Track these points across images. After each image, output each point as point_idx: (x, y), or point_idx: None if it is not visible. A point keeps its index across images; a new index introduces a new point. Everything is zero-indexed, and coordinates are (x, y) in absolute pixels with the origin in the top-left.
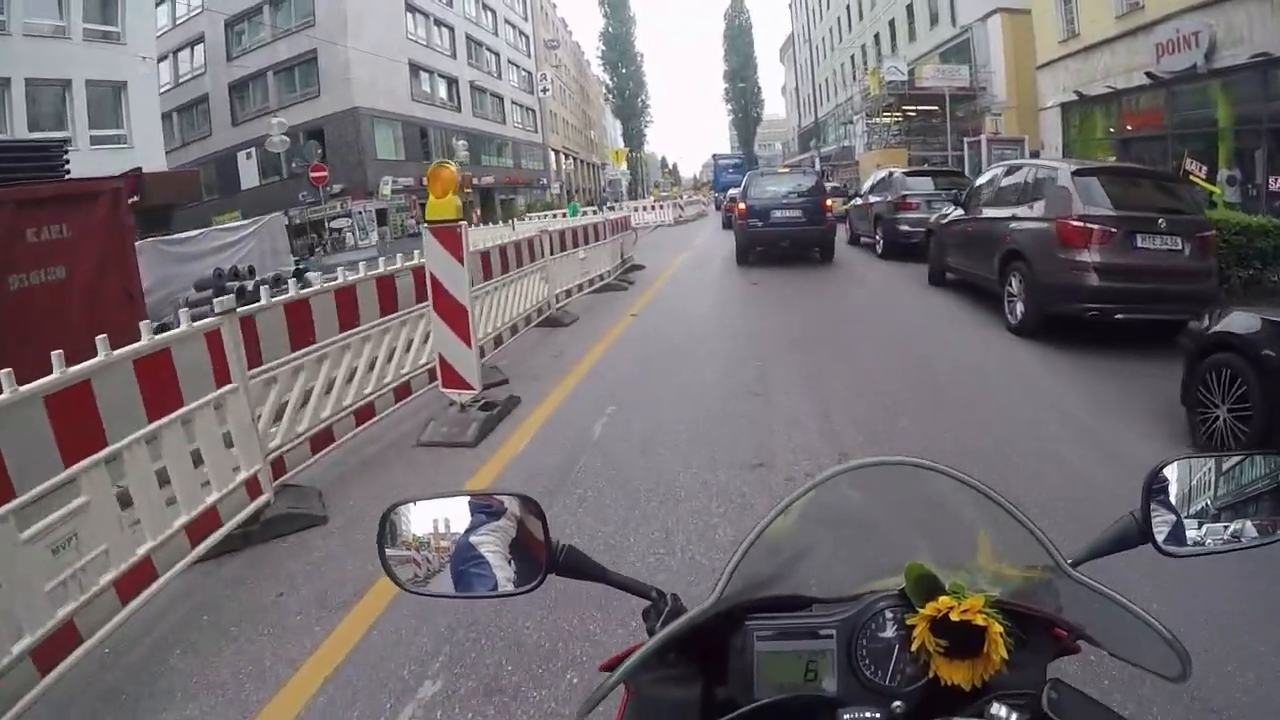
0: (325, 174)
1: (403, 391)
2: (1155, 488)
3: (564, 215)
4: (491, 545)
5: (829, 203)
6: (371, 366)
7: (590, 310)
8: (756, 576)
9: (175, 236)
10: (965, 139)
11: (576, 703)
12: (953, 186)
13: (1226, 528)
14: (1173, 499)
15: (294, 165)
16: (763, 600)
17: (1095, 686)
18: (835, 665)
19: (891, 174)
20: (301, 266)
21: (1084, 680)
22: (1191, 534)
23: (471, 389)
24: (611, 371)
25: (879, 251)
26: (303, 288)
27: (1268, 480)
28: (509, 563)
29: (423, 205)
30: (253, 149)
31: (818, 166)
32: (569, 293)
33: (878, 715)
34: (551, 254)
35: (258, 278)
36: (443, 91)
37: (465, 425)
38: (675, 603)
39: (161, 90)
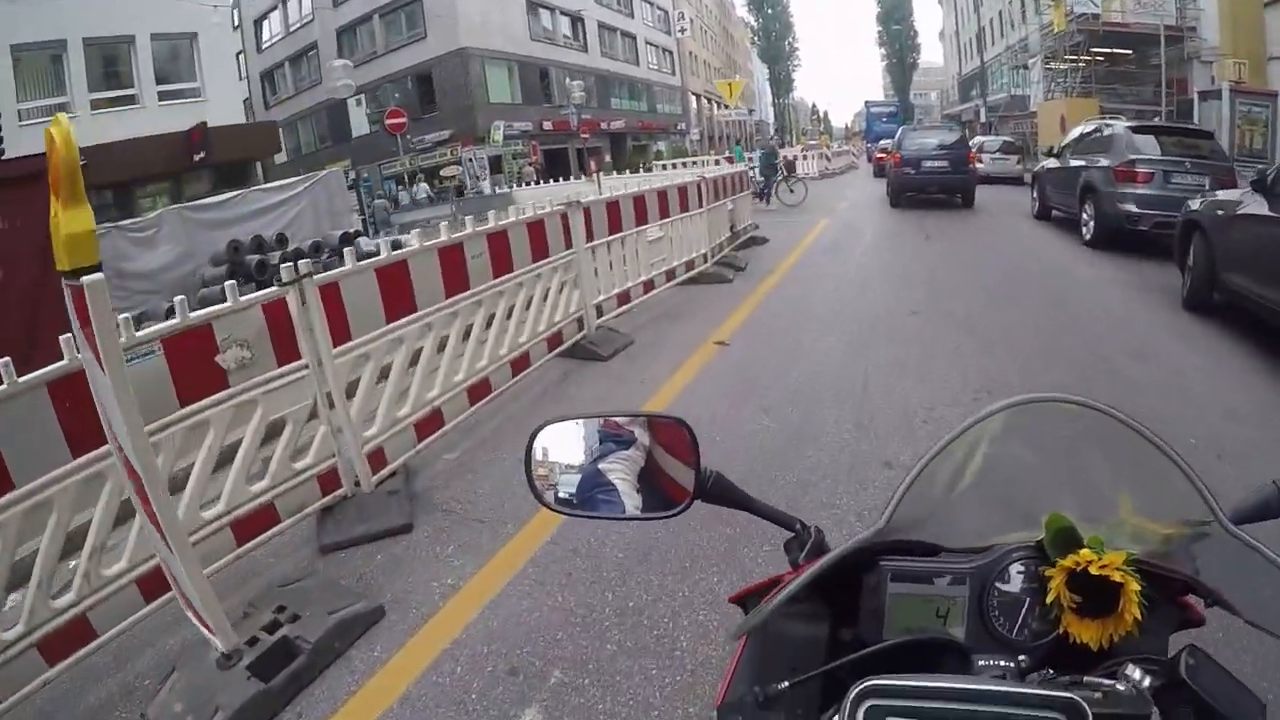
0: (403, 121)
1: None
2: None
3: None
4: (621, 472)
5: (972, 154)
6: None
7: (656, 327)
8: (893, 522)
9: (206, 200)
10: (1173, 91)
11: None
12: (1200, 153)
13: None
14: None
15: (368, 112)
16: (895, 543)
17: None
18: (965, 613)
19: (1111, 128)
20: (357, 230)
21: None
22: None
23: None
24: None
25: (1086, 237)
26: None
27: None
28: (636, 490)
29: (545, 151)
30: (361, 96)
31: (983, 117)
32: (625, 297)
33: (1013, 665)
34: (587, 241)
35: (291, 246)
36: (566, 29)
37: None
38: (818, 536)
39: (272, 40)
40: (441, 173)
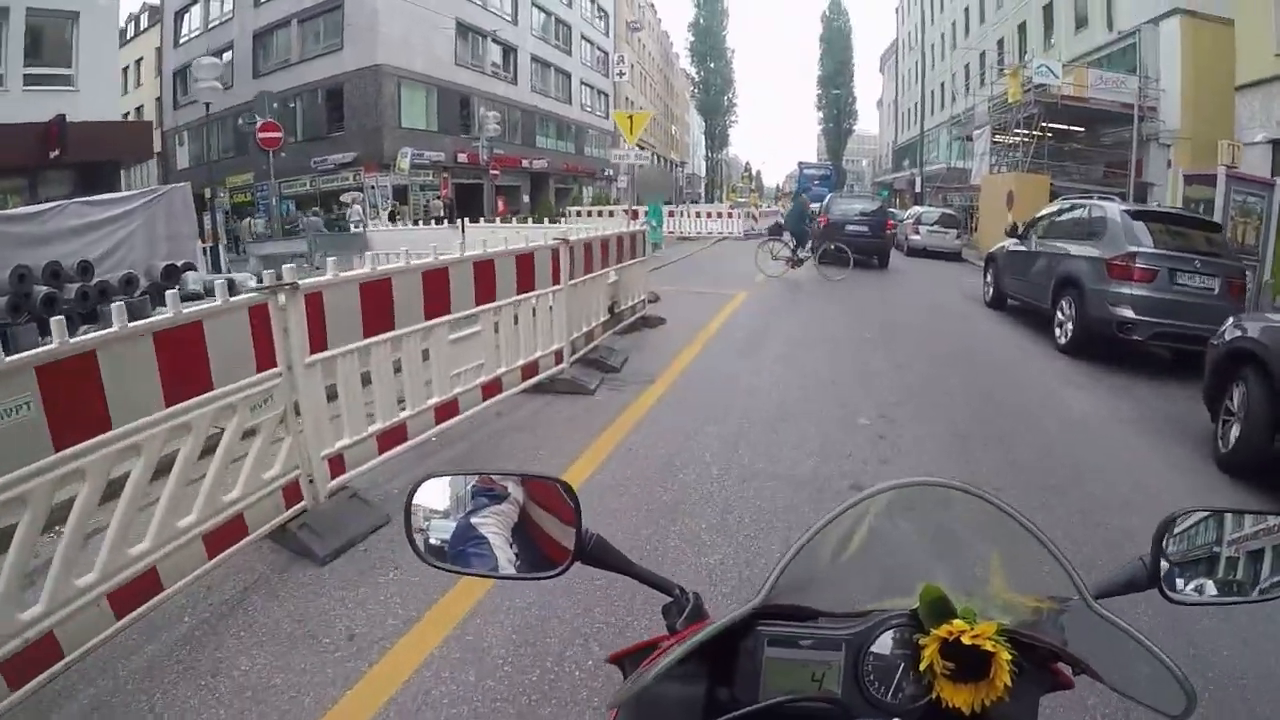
0: (278, 136)
1: None
2: (1166, 536)
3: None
4: (493, 526)
5: (890, 223)
6: None
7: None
8: (769, 583)
9: (17, 210)
10: (1126, 173)
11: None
12: (1207, 249)
13: (1231, 581)
14: (1182, 548)
15: (240, 123)
16: (773, 608)
17: None
18: (841, 677)
19: (1102, 210)
20: (186, 263)
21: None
22: (1196, 583)
23: None
24: None
25: (1061, 341)
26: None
27: (1260, 524)
28: (509, 545)
29: (458, 184)
30: (276, 104)
31: (917, 186)
32: (395, 435)
33: None
34: (312, 351)
35: (96, 278)
36: (496, 58)
37: None
38: (696, 600)
39: (190, 36)
40: (341, 198)
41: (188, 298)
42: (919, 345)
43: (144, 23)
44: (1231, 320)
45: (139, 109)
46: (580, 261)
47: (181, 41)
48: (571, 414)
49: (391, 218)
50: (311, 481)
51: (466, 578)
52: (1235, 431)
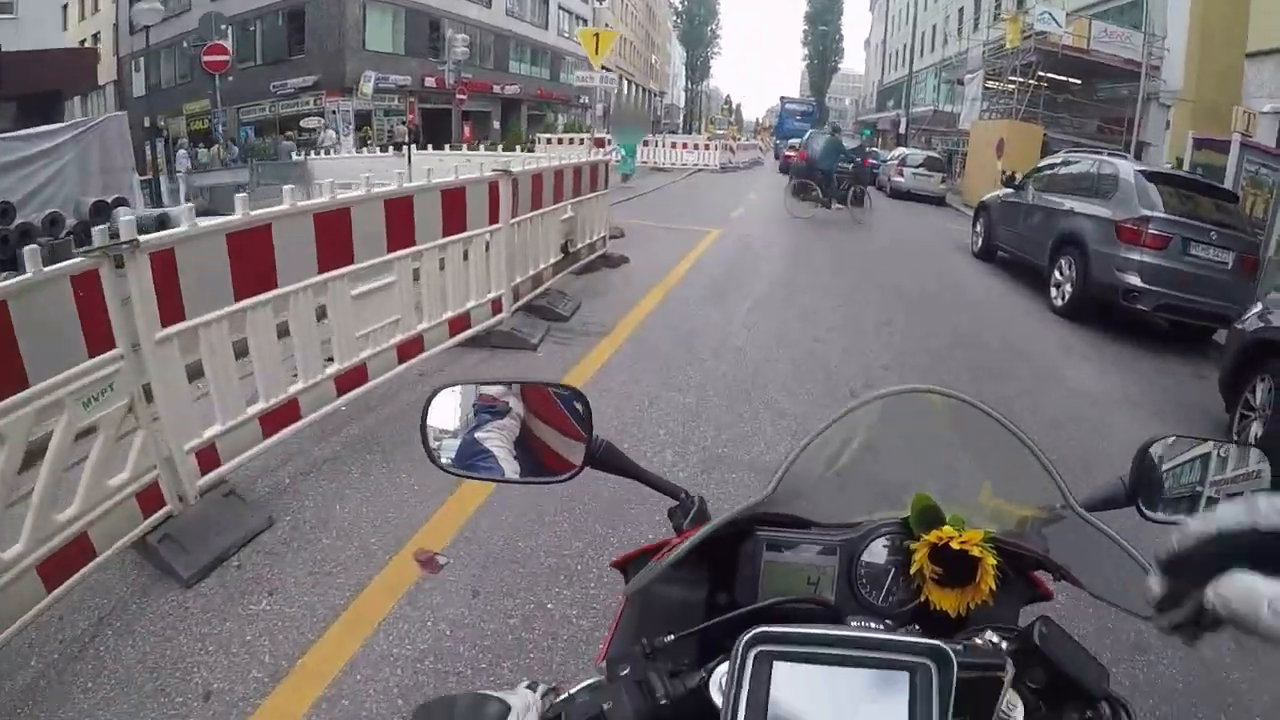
0: (225, 60)
1: None
2: (1145, 459)
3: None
4: (496, 440)
5: (868, 160)
6: None
7: (338, 474)
8: (767, 492)
9: None
10: (1123, 131)
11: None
12: (1221, 220)
13: (1203, 504)
14: (1168, 483)
15: (186, 45)
16: (770, 515)
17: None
18: (835, 581)
19: (1113, 166)
20: (118, 198)
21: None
22: (1171, 506)
23: None
24: None
25: (1057, 302)
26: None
27: (1240, 464)
28: (513, 457)
29: (424, 110)
30: (228, 27)
31: (902, 127)
32: (285, 414)
33: (880, 626)
34: (165, 322)
35: (17, 220)
36: None
37: None
38: (701, 504)
39: None
40: (302, 124)
41: (114, 236)
42: (906, 299)
43: None
44: (1260, 305)
45: (95, 36)
46: (527, 196)
47: None
48: (507, 375)
49: (364, 143)
50: (177, 481)
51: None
52: (1256, 429)
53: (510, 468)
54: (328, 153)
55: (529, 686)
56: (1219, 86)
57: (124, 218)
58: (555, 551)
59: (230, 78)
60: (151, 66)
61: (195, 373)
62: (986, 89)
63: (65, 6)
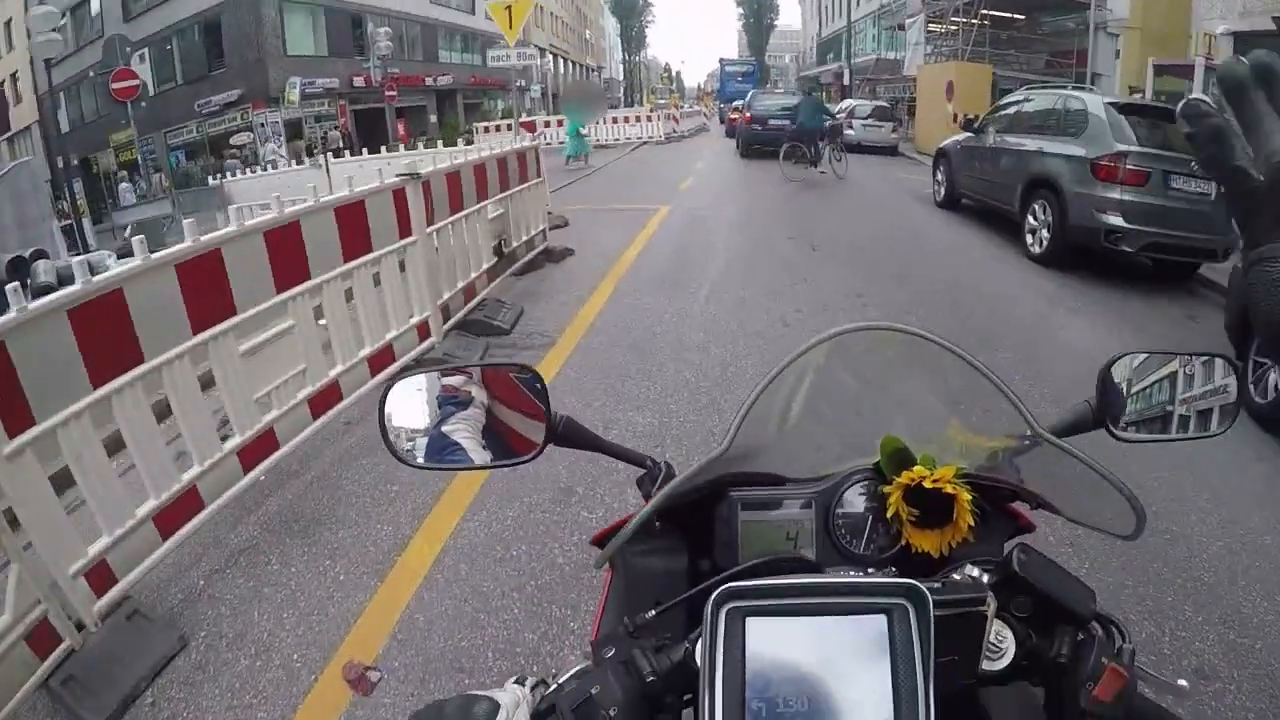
0: (135, 85)
1: None
2: (1109, 378)
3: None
4: (464, 431)
5: None
6: None
7: (254, 566)
8: (738, 452)
9: None
10: (1071, 64)
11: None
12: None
13: (1170, 418)
14: (1124, 389)
15: (92, 75)
16: (742, 475)
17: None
18: (814, 535)
19: (1081, 101)
20: (35, 251)
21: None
22: (1139, 422)
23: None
24: None
25: (1035, 250)
26: None
27: (1207, 378)
28: (482, 446)
29: (355, 112)
30: (145, 50)
31: (846, 79)
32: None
33: (861, 574)
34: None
35: None
36: None
37: None
38: (668, 470)
39: None
40: (231, 141)
41: (40, 291)
42: (876, 261)
43: None
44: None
45: (14, 75)
46: (443, 199)
47: None
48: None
49: (308, 152)
50: (70, 610)
51: None
52: (1276, 378)
53: (479, 456)
54: (274, 168)
55: (517, 682)
56: (1167, 13)
57: (43, 274)
58: (506, 648)
59: (143, 103)
60: (72, 101)
61: (66, 480)
62: (929, 32)
63: None
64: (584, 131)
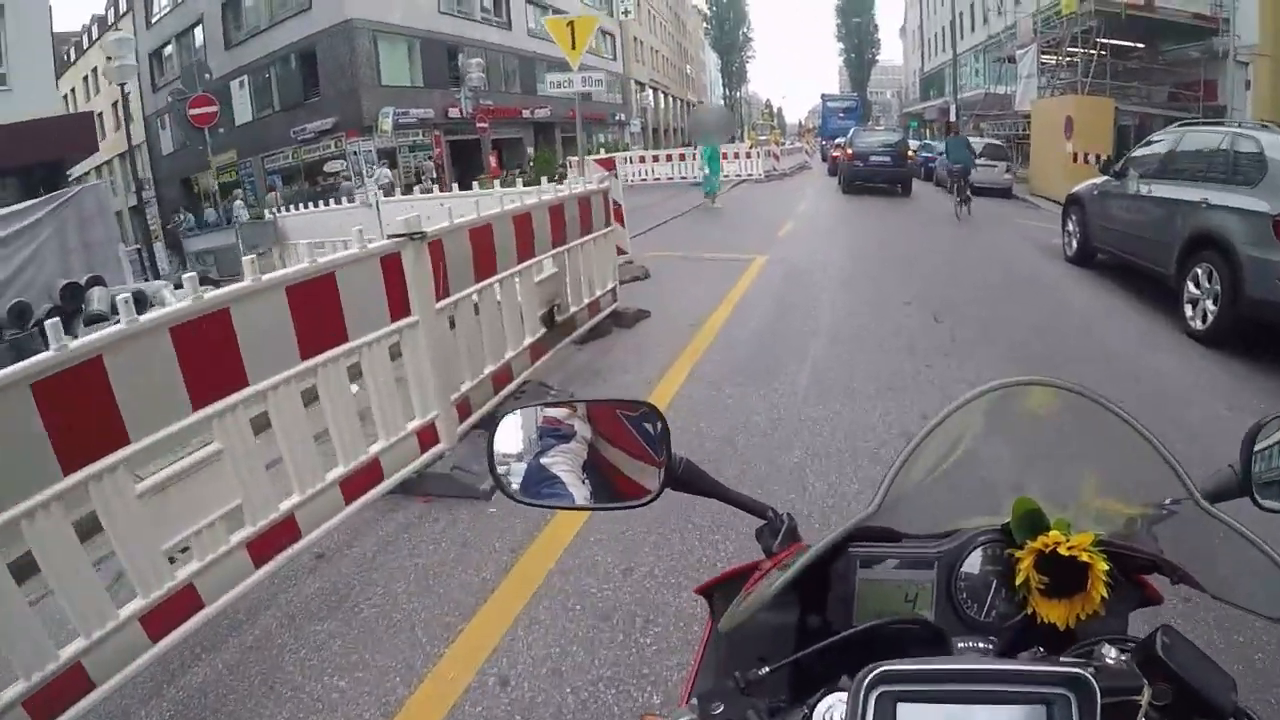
0: (213, 112)
1: None
2: (1257, 443)
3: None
4: (563, 465)
5: (909, 152)
6: None
7: None
8: (876, 509)
9: None
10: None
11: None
12: None
13: None
14: (1272, 456)
15: (170, 100)
16: (864, 530)
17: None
18: (934, 598)
19: (1255, 140)
20: (92, 278)
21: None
22: None
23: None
24: None
25: (1196, 325)
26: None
27: None
28: (582, 482)
29: (451, 143)
30: (244, 77)
31: (953, 115)
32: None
33: (990, 646)
34: None
35: None
36: (486, 2)
37: None
38: (790, 522)
39: (161, 14)
40: (325, 168)
41: (92, 320)
42: (1011, 338)
43: (123, 6)
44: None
45: (115, 103)
46: (465, 263)
47: (154, 21)
48: (440, 556)
49: (418, 179)
50: None
51: None
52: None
53: (580, 493)
54: (388, 194)
55: None
56: None
57: (96, 302)
58: None
59: (220, 129)
60: (175, 123)
61: None
62: (1042, 64)
63: (62, 74)
64: (711, 172)
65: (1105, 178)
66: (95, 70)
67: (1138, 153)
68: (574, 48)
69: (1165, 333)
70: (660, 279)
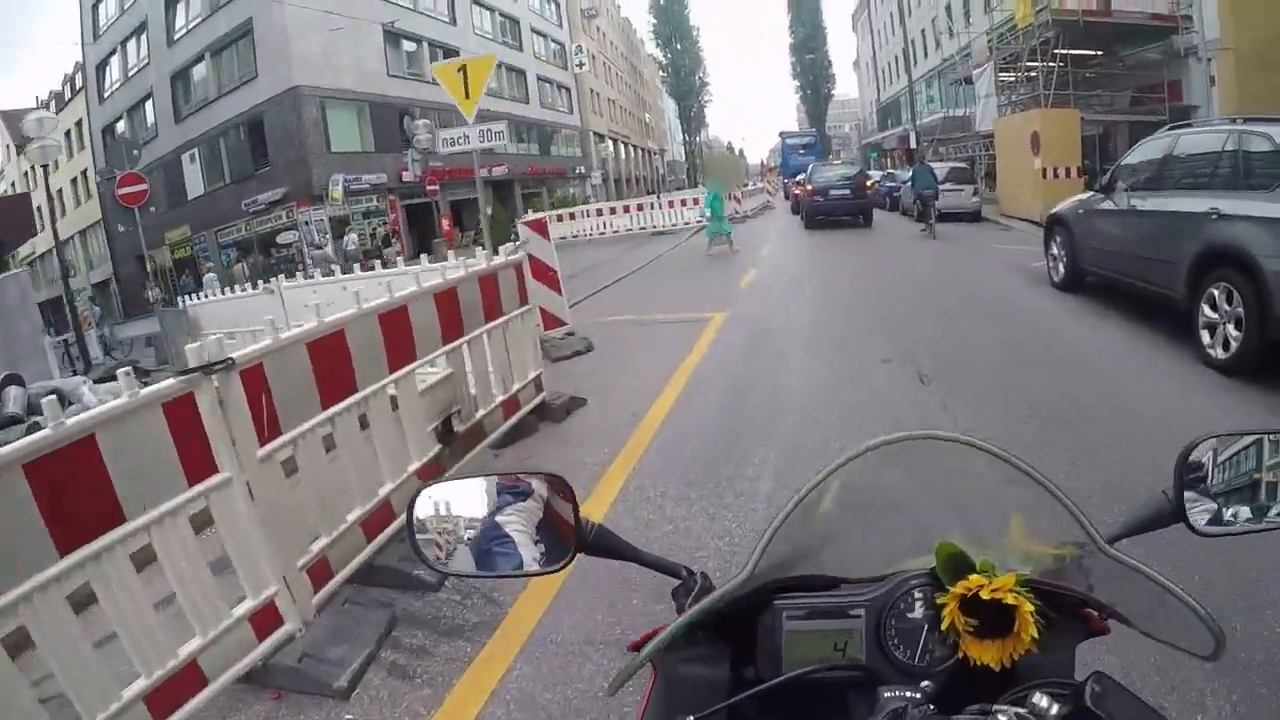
0: (142, 190)
1: None
2: (1187, 466)
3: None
4: (518, 525)
5: (868, 183)
6: None
7: None
8: (783, 555)
9: None
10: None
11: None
12: None
13: (1257, 507)
14: (1205, 477)
15: (97, 179)
16: (790, 580)
17: (1123, 669)
18: (864, 644)
19: (1271, 139)
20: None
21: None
22: (1227, 512)
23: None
24: None
25: (1216, 354)
26: None
27: None
28: (535, 543)
29: (407, 207)
30: (195, 150)
31: (913, 143)
32: None
33: (918, 695)
34: None
35: None
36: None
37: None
38: (705, 581)
39: (112, 89)
40: (278, 240)
41: (5, 423)
42: (1010, 393)
43: (79, 82)
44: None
45: (84, 173)
46: (305, 388)
47: (106, 96)
48: None
49: (386, 243)
50: None
51: None
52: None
53: (530, 554)
54: (351, 260)
55: None
56: (1263, 28)
57: (12, 403)
58: None
59: (152, 209)
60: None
61: None
62: (1000, 81)
63: (22, 150)
64: (716, 214)
65: (1090, 193)
66: (78, 124)
67: (1127, 161)
68: (468, 96)
69: (1184, 365)
70: (604, 351)
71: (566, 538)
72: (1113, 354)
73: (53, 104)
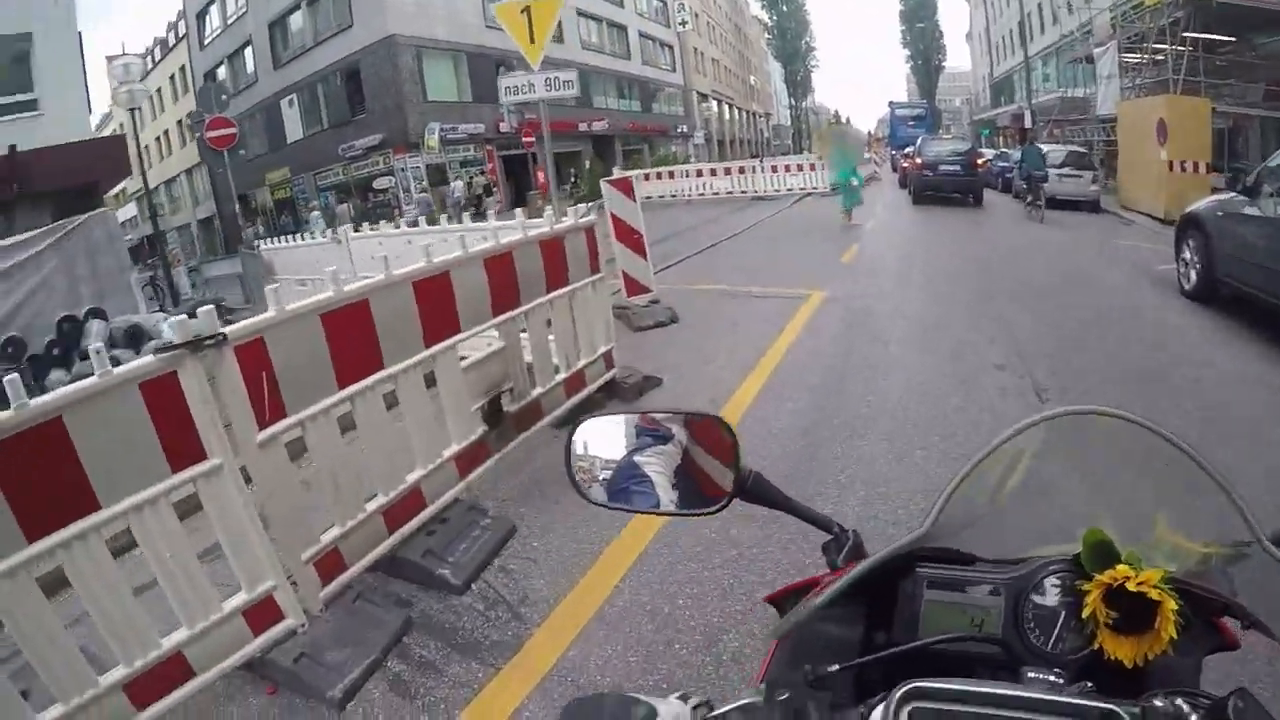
0: (230, 133)
1: None
2: None
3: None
4: (656, 466)
5: (981, 161)
6: None
7: None
8: (936, 529)
9: None
10: None
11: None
12: None
13: None
14: None
15: (186, 120)
16: (932, 551)
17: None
18: (1001, 624)
19: None
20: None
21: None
22: None
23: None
24: None
25: None
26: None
27: None
28: (672, 486)
29: (504, 158)
30: (293, 95)
31: (1027, 122)
32: None
33: (1053, 677)
34: None
35: None
36: None
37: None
38: (856, 539)
39: (212, 36)
40: (375, 185)
41: (86, 356)
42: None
43: (182, 29)
44: None
45: (189, 114)
46: (319, 365)
47: (206, 43)
48: None
49: (488, 192)
50: None
51: None
52: None
53: (667, 496)
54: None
55: (680, 697)
56: None
57: (95, 336)
58: None
59: (241, 151)
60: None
61: None
62: (1124, 62)
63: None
64: (854, 183)
65: (1230, 194)
66: (159, 91)
67: (1276, 164)
68: (533, 41)
69: None
70: (689, 324)
71: (717, 482)
72: (1260, 377)
73: (157, 50)
